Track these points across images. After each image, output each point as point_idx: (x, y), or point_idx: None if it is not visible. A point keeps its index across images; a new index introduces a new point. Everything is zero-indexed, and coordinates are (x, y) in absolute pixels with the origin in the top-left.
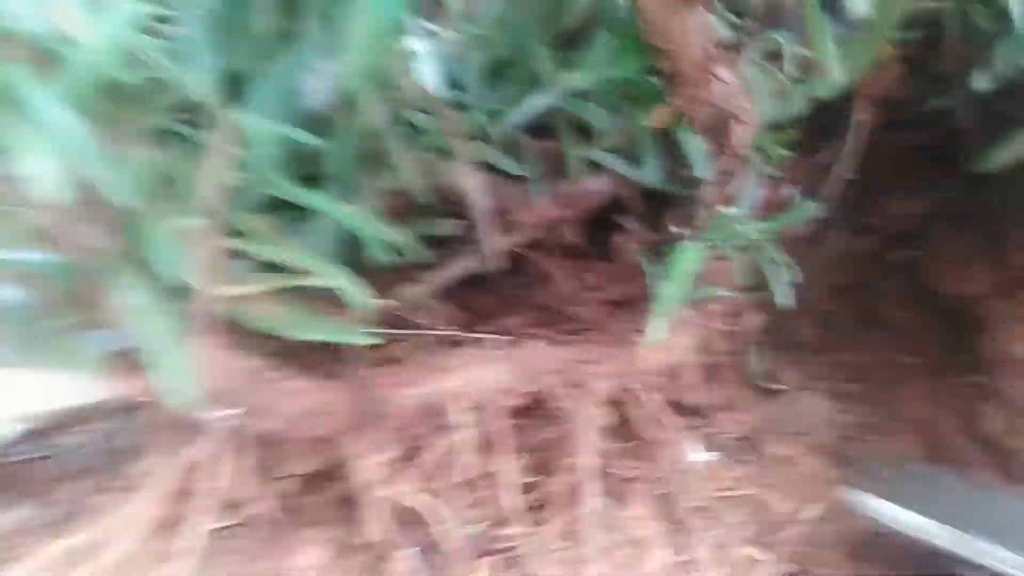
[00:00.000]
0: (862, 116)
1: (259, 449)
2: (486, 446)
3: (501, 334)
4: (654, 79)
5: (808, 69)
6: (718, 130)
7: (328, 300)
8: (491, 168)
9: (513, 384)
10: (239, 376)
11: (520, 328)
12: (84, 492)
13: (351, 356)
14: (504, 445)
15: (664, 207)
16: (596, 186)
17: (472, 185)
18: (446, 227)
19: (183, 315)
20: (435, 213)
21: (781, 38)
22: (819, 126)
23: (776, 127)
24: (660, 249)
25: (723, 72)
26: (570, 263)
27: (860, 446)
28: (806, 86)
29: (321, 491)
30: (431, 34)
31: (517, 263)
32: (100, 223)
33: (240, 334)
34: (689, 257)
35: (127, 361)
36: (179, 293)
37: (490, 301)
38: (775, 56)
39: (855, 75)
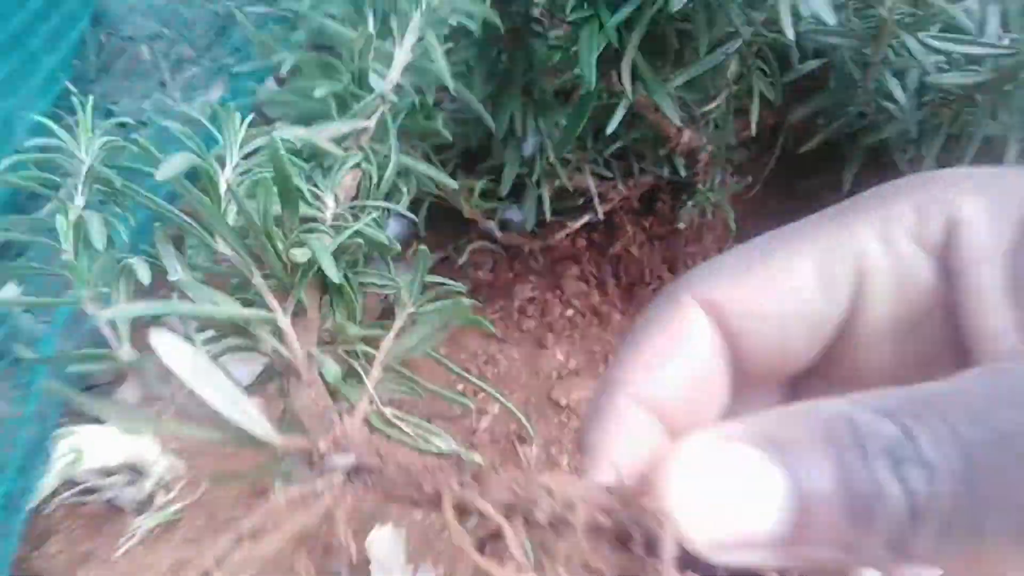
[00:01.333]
0: (782, 135)
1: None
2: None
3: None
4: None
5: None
6: (688, 155)
7: None
8: (597, 174)
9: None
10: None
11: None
12: None
13: None
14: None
15: (679, 188)
16: (647, 180)
17: (589, 182)
18: (577, 201)
19: None
20: (573, 196)
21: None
22: (761, 139)
23: (731, 147)
24: (677, 207)
25: (685, 133)
26: (635, 217)
27: None
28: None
29: None
30: None
31: (608, 217)
32: None
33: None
34: (689, 208)
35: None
36: None
37: (595, 235)
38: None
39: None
